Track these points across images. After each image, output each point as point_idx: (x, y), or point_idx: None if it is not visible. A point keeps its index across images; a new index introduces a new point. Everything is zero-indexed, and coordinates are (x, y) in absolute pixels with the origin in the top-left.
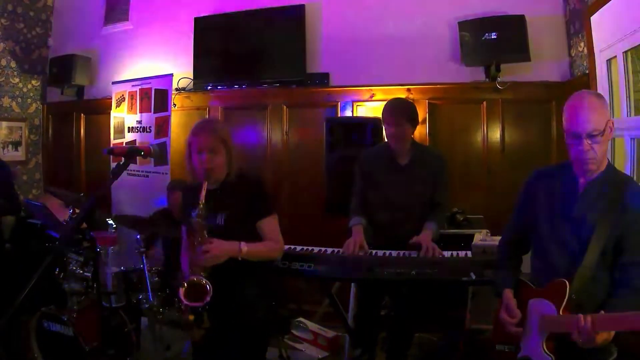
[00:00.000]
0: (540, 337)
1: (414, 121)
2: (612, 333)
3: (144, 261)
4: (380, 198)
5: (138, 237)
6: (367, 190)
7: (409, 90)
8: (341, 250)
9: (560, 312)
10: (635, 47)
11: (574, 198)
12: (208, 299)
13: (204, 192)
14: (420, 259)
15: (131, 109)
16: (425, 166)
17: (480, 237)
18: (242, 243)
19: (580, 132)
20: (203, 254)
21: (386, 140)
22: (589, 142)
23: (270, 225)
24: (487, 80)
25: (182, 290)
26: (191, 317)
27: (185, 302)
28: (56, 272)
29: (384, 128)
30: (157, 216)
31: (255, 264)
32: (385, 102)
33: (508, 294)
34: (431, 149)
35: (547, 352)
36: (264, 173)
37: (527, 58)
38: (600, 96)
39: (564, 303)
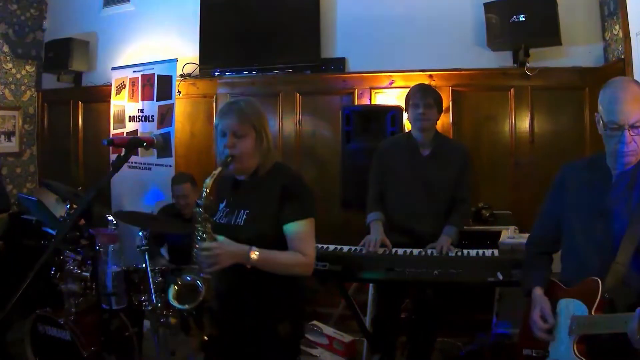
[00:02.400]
0: (570, 340)
1: (440, 106)
2: None
3: (147, 260)
4: (400, 192)
5: (141, 234)
6: (385, 183)
7: (431, 76)
8: (359, 248)
9: (592, 313)
10: None
11: (606, 190)
12: (196, 303)
13: (212, 177)
14: (444, 258)
15: (132, 96)
16: (449, 158)
17: (508, 234)
18: (253, 248)
19: (623, 122)
20: (202, 254)
21: (407, 130)
22: (632, 133)
23: (300, 231)
24: (515, 65)
25: (172, 289)
26: (173, 321)
27: (171, 302)
28: (52, 272)
29: (408, 112)
30: (162, 214)
31: (286, 299)
32: (407, 89)
33: (539, 292)
34: (455, 141)
35: (578, 355)
36: None
37: (557, 42)
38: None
39: (597, 303)
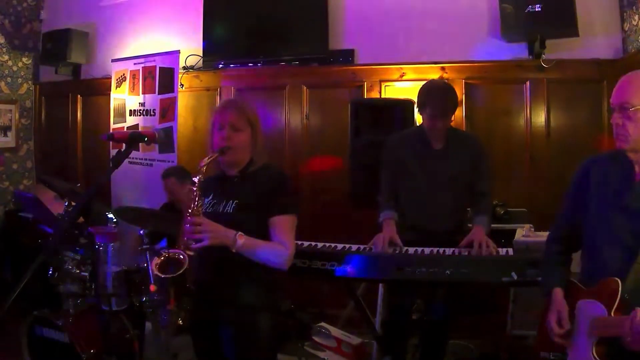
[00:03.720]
0: (589, 342)
1: (456, 106)
2: None
3: (148, 259)
4: (411, 188)
5: (142, 232)
6: (396, 179)
7: (443, 69)
8: (368, 246)
9: (612, 314)
10: None
11: (627, 187)
12: (180, 271)
13: (207, 159)
14: (457, 257)
15: (133, 89)
16: (463, 151)
17: (523, 232)
18: (240, 234)
19: (613, 102)
20: (192, 228)
21: (418, 125)
22: (619, 115)
23: (283, 224)
24: (530, 57)
25: (156, 260)
26: (153, 288)
27: (155, 271)
28: (50, 272)
29: (420, 113)
30: (162, 211)
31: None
32: (423, 85)
33: (558, 294)
34: (467, 133)
35: (597, 357)
36: (281, 161)
37: (575, 33)
38: None
39: (616, 304)
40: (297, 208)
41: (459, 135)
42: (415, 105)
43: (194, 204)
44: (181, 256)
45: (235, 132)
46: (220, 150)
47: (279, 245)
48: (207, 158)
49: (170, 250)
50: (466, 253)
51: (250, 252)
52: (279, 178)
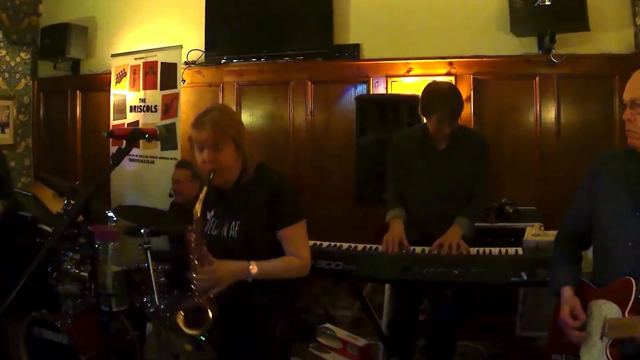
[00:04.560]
0: (603, 344)
1: (461, 108)
2: None
3: (149, 259)
4: (416, 188)
5: (143, 231)
6: (402, 178)
7: (451, 64)
8: (375, 246)
9: (626, 315)
10: None
11: None
12: (208, 326)
13: (199, 201)
14: (465, 257)
15: (134, 85)
16: (467, 151)
17: (533, 231)
18: (252, 263)
19: (625, 98)
20: (202, 278)
21: (425, 123)
22: (631, 111)
23: (294, 235)
24: (540, 52)
25: (179, 316)
26: (188, 348)
27: (185, 329)
28: (48, 272)
29: (423, 117)
30: (171, 210)
31: (278, 296)
32: (427, 88)
33: (569, 291)
34: (473, 132)
35: (611, 359)
36: (285, 159)
37: (585, 27)
38: None
39: (630, 304)
40: (301, 212)
41: (465, 134)
42: (419, 109)
43: (199, 250)
44: (205, 305)
45: (218, 153)
46: (207, 180)
47: (294, 258)
48: (198, 203)
49: (187, 300)
50: (473, 252)
51: (267, 276)
52: (275, 187)
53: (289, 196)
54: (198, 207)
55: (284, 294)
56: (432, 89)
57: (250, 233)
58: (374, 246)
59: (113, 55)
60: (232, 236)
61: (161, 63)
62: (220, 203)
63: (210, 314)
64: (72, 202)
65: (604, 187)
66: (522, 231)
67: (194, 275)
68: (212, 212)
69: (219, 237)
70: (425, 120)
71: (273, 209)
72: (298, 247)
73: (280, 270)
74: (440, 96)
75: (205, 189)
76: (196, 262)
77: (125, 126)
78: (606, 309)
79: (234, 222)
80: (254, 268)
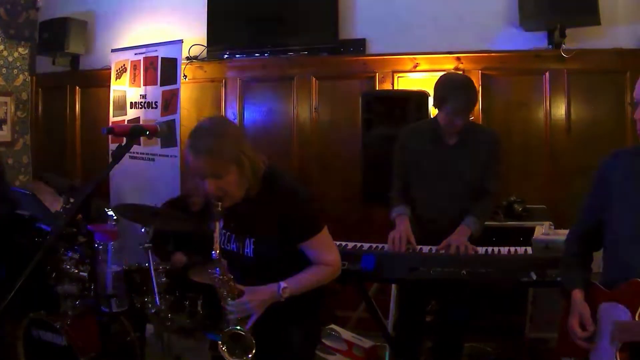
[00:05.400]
0: (612, 348)
1: (476, 104)
2: None
3: (150, 259)
4: (424, 185)
5: (143, 230)
6: (407, 175)
7: (458, 59)
8: (382, 245)
9: (636, 318)
10: None
11: None
12: (250, 355)
13: (216, 242)
14: (473, 256)
15: (134, 81)
16: (478, 146)
17: (542, 230)
18: (282, 284)
19: (636, 97)
20: (234, 311)
21: (434, 117)
22: None
23: (316, 246)
24: (550, 47)
25: (221, 347)
26: None
27: (229, 358)
28: (47, 272)
29: (440, 111)
30: (167, 207)
31: (301, 302)
32: (441, 79)
33: (578, 295)
34: (484, 127)
35: None
36: (289, 157)
37: (596, 21)
38: None
39: None
40: (319, 222)
41: (476, 129)
42: (432, 101)
43: (226, 286)
44: (246, 334)
45: (221, 180)
46: (217, 214)
47: (322, 266)
48: (216, 239)
49: (230, 329)
50: (481, 252)
51: (300, 292)
52: (284, 206)
53: (303, 208)
54: (217, 248)
55: (312, 328)
56: (447, 79)
57: (266, 251)
58: (380, 245)
59: (113, 51)
60: (248, 254)
61: (162, 58)
62: (231, 217)
63: (253, 343)
64: (72, 200)
65: (614, 186)
66: (531, 230)
67: (227, 308)
68: (222, 224)
69: (236, 254)
70: (435, 114)
71: (287, 226)
72: (323, 254)
73: (311, 283)
74: (455, 86)
75: (217, 226)
76: (226, 295)
77: (126, 123)
78: (616, 312)
79: (248, 240)
80: (285, 292)
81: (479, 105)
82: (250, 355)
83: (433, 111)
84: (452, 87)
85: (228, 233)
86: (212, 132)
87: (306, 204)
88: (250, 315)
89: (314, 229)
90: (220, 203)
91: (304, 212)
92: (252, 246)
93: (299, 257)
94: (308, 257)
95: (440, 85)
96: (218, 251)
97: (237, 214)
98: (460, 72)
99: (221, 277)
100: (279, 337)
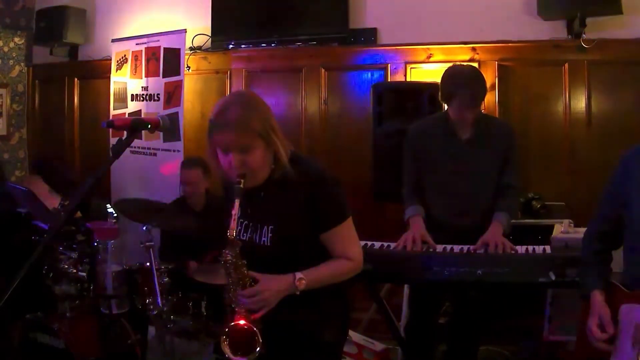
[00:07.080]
0: (634, 350)
1: (485, 95)
2: None
3: (152, 258)
4: (437, 182)
5: (144, 228)
6: (420, 172)
7: (474, 49)
8: (394, 243)
9: None
10: None
11: None
12: (257, 352)
13: (234, 218)
14: (489, 255)
15: (135, 72)
16: (492, 141)
17: (562, 228)
18: (298, 275)
19: None
20: (247, 300)
21: (445, 111)
22: None
23: (340, 236)
24: (569, 37)
25: (224, 341)
26: None
27: (231, 356)
28: (44, 272)
29: (449, 106)
30: (171, 208)
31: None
32: (447, 72)
33: (598, 297)
34: (498, 120)
35: None
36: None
37: (618, 10)
38: None
39: None
40: (347, 208)
41: (489, 122)
42: (439, 95)
43: (239, 272)
44: (251, 327)
45: (247, 154)
46: (238, 191)
47: (343, 260)
48: (233, 218)
49: (234, 322)
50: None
51: (316, 286)
52: (314, 185)
53: (331, 193)
54: (233, 227)
55: (336, 299)
56: (453, 72)
57: (285, 240)
58: (392, 244)
59: (113, 40)
60: (265, 243)
61: (164, 49)
62: (250, 203)
63: (258, 337)
64: (70, 197)
65: (635, 182)
66: (550, 228)
67: (238, 297)
68: (240, 212)
69: (251, 242)
70: (446, 108)
71: (313, 211)
72: (346, 247)
73: (329, 277)
74: (461, 78)
75: (237, 203)
76: (237, 283)
77: (127, 116)
78: (638, 314)
79: (266, 227)
80: (301, 283)
81: (495, 98)
82: (251, 355)
83: None
84: (458, 81)
85: (244, 222)
86: (239, 103)
87: (335, 188)
88: (262, 308)
89: (341, 216)
90: (242, 180)
91: (333, 197)
92: (269, 234)
93: (318, 251)
94: (329, 251)
95: (445, 78)
96: (235, 231)
97: (257, 199)
98: (466, 64)
99: (234, 260)
100: (308, 335)
